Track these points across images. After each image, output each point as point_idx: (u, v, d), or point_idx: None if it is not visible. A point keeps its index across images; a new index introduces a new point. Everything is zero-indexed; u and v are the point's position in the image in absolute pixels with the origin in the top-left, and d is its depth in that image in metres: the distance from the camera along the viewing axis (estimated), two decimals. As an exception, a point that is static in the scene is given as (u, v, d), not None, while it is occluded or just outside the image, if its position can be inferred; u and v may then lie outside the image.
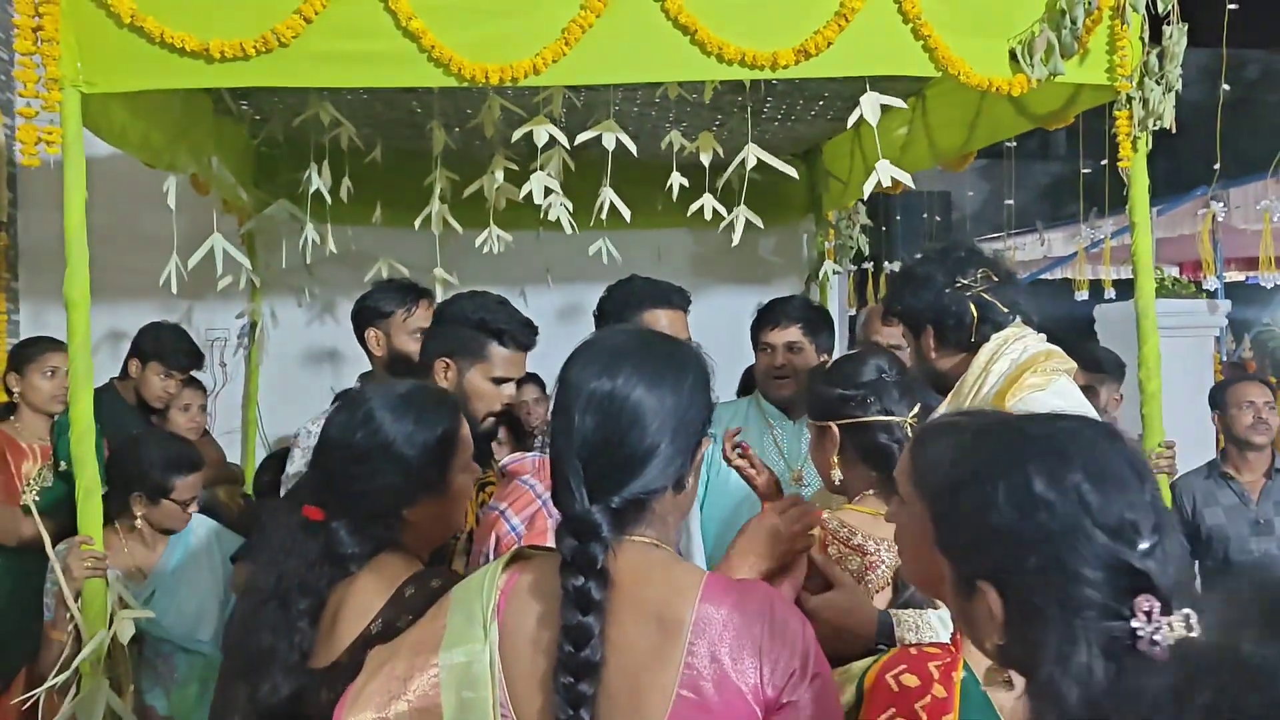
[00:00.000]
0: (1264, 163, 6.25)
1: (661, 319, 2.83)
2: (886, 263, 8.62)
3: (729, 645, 1.18)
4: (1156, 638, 0.89)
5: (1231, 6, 4.75)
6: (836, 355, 3.13)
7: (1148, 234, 2.61)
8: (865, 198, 4.26)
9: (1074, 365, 2.13)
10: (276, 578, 1.54)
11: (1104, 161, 4.41)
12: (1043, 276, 8.66)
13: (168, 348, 3.52)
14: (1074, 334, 5.16)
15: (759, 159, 2.77)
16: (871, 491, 1.89)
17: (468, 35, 2.29)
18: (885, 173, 2.54)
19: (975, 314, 2.08)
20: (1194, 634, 0.89)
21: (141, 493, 2.61)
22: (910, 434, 1.87)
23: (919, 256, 2.26)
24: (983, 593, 0.98)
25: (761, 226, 2.97)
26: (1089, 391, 3.19)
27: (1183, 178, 7.38)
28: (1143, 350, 2.59)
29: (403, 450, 1.58)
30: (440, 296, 3.41)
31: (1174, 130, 2.50)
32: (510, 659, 1.24)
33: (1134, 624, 0.90)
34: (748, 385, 3.55)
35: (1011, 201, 8.38)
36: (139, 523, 2.61)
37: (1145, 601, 0.90)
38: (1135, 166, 2.57)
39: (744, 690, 1.17)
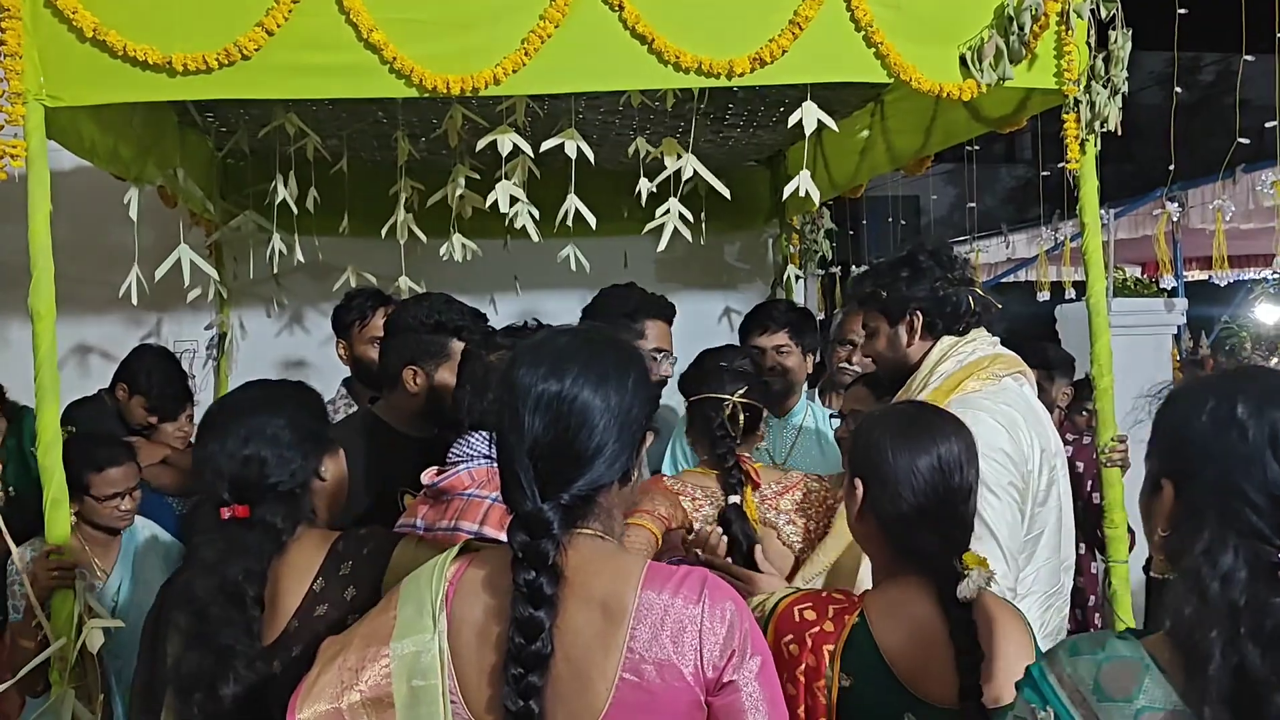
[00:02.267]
0: (1221, 164, 6.38)
1: (658, 329, 2.96)
2: (855, 267, 8.69)
3: (670, 629, 1.24)
4: None
5: (1181, 11, 4.86)
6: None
7: (1098, 234, 2.67)
8: (828, 203, 4.36)
9: (1024, 368, 2.21)
10: (219, 580, 1.60)
11: (1062, 164, 4.51)
12: (1007, 279, 8.78)
13: (156, 389, 3.47)
14: (1037, 334, 5.27)
15: (695, 170, 2.81)
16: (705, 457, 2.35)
17: (429, 47, 2.32)
18: (804, 183, 2.61)
19: (971, 305, 2.16)
20: None
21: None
22: (738, 409, 2.28)
23: (909, 251, 2.34)
24: (1163, 489, 1.15)
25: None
26: (1040, 389, 3.27)
27: (1144, 179, 7.53)
28: (1095, 347, 2.65)
29: (297, 416, 1.74)
30: (406, 305, 3.44)
31: (1119, 133, 2.57)
32: (459, 648, 1.29)
33: None
34: None
35: (974, 205, 8.47)
36: (72, 521, 2.65)
37: None
38: (1084, 169, 2.64)
39: (684, 672, 1.23)
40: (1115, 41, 2.57)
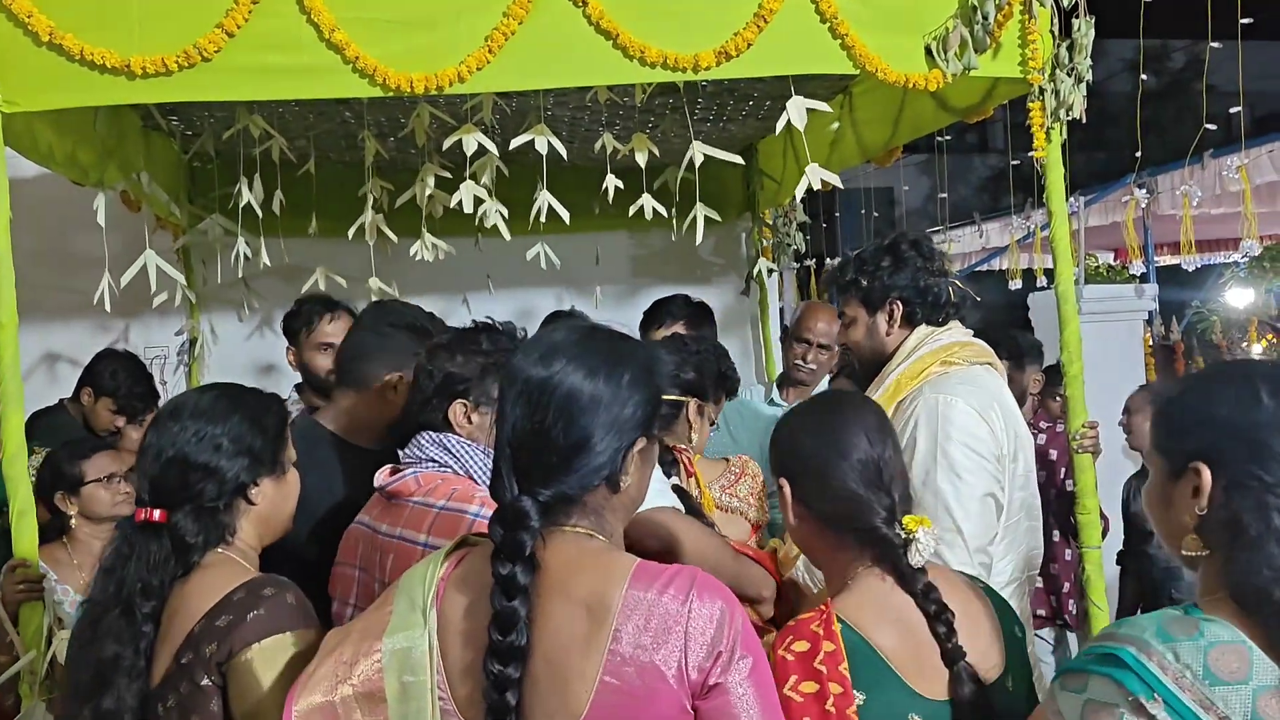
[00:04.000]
0: (1194, 148, 6.43)
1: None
2: (829, 259, 8.74)
3: (653, 629, 1.20)
4: None
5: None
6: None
7: (1065, 222, 2.69)
8: (799, 198, 4.37)
9: (992, 358, 2.22)
10: (117, 586, 1.54)
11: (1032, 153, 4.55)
12: (981, 268, 8.83)
13: (123, 389, 3.46)
14: (1010, 322, 5.30)
15: (705, 155, 2.79)
16: None
17: (391, 46, 2.30)
18: (815, 176, 2.60)
19: (950, 296, 2.18)
20: None
21: (62, 490, 2.63)
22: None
23: (890, 240, 2.35)
24: (1193, 472, 1.22)
25: (720, 219, 3.01)
26: (1010, 380, 3.29)
27: (1116, 165, 7.59)
28: (1064, 334, 2.66)
29: (239, 429, 1.63)
30: (373, 307, 3.42)
31: (1084, 120, 2.58)
32: (447, 644, 1.28)
33: None
34: None
35: (945, 195, 8.53)
36: (74, 522, 2.61)
37: None
38: (1050, 157, 2.65)
39: (667, 674, 1.18)
40: (1079, 30, 2.58)
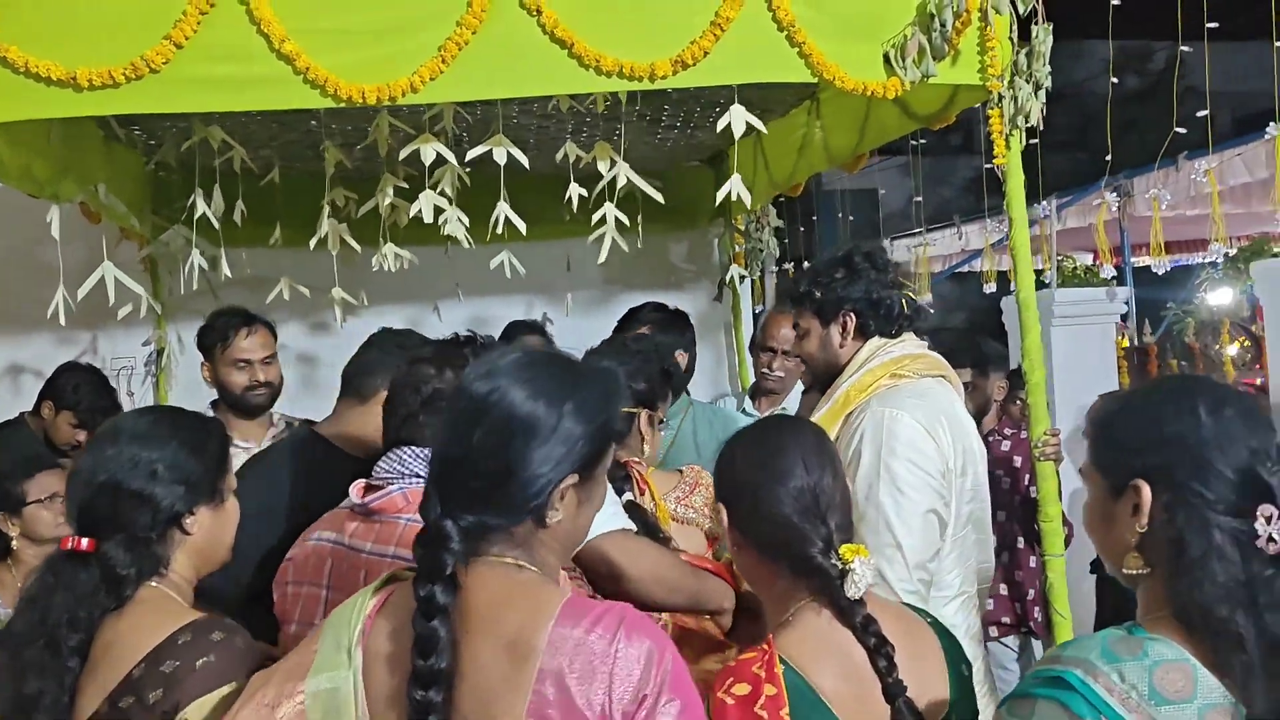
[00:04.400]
0: (1170, 150, 6.45)
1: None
2: (808, 263, 8.73)
3: (579, 669, 1.16)
4: (1275, 537, 1.15)
5: (1115, 2, 4.91)
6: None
7: (1024, 229, 2.68)
8: (781, 198, 4.36)
9: (945, 370, 2.22)
10: (41, 617, 1.48)
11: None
12: (961, 270, 8.84)
13: (84, 403, 3.41)
14: (984, 324, 5.30)
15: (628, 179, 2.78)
16: None
17: (343, 57, 2.28)
18: (736, 187, 2.60)
19: (903, 308, 2.17)
20: None
21: (4, 511, 2.58)
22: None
23: (844, 251, 2.34)
24: (1134, 489, 1.22)
25: (626, 247, 2.98)
26: (974, 387, 3.29)
27: (1097, 166, 7.59)
28: (1025, 342, 2.65)
29: (177, 455, 1.57)
30: (339, 317, 3.40)
31: (1042, 127, 2.58)
32: (372, 681, 1.24)
33: (1257, 526, 1.16)
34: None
35: (920, 199, 8.57)
36: (16, 544, 2.57)
37: (1267, 509, 1.17)
38: (1010, 163, 2.65)
39: (589, 715, 1.15)
40: (1037, 36, 2.58)
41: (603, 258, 2.83)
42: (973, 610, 2.13)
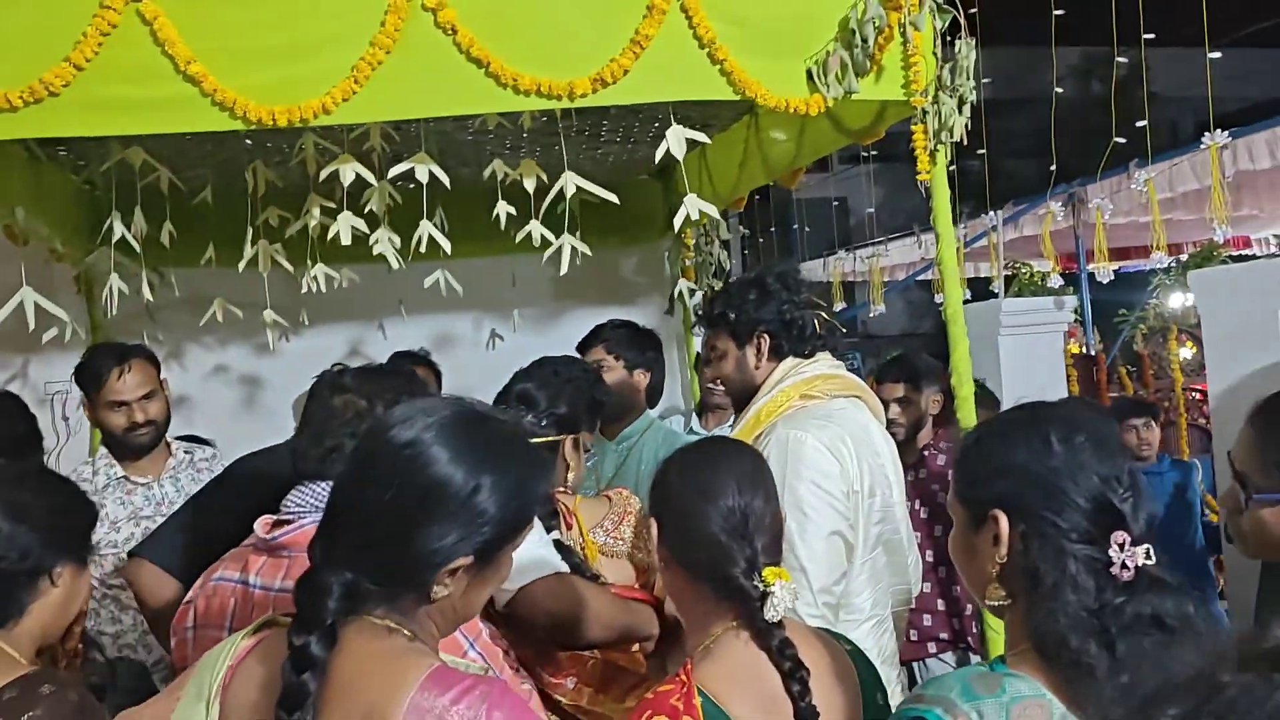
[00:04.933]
0: (1128, 156, 6.48)
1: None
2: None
3: None
4: (1127, 563, 1.17)
5: (1058, 12, 4.93)
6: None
7: (951, 244, 2.68)
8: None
9: (860, 391, 2.21)
10: None
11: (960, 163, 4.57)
12: (921, 277, 8.87)
13: (1, 430, 3.33)
14: (938, 334, 5.28)
15: (578, 186, 2.75)
16: None
17: (252, 78, 2.24)
18: (693, 206, 2.57)
19: (816, 328, 2.16)
20: (1151, 562, 1.17)
21: None
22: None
23: (757, 273, 2.36)
24: (993, 520, 1.23)
25: (590, 253, 2.95)
26: (908, 401, 3.28)
27: (1061, 173, 7.62)
28: (953, 356, 2.64)
29: (54, 508, 1.55)
30: (271, 339, 3.36)
31: (964, 143, 2.57)
32: None
33: (1110, 553, 1.17)
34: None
35: (873, 209, 8.61)
36: None
37: (1120, 535, 1.18)
38: (935, 179, 2.63)
39: None
40: (960, 51, 2.57)
41: (564, 269, 2.80)
42: (886, 633, 2.11)
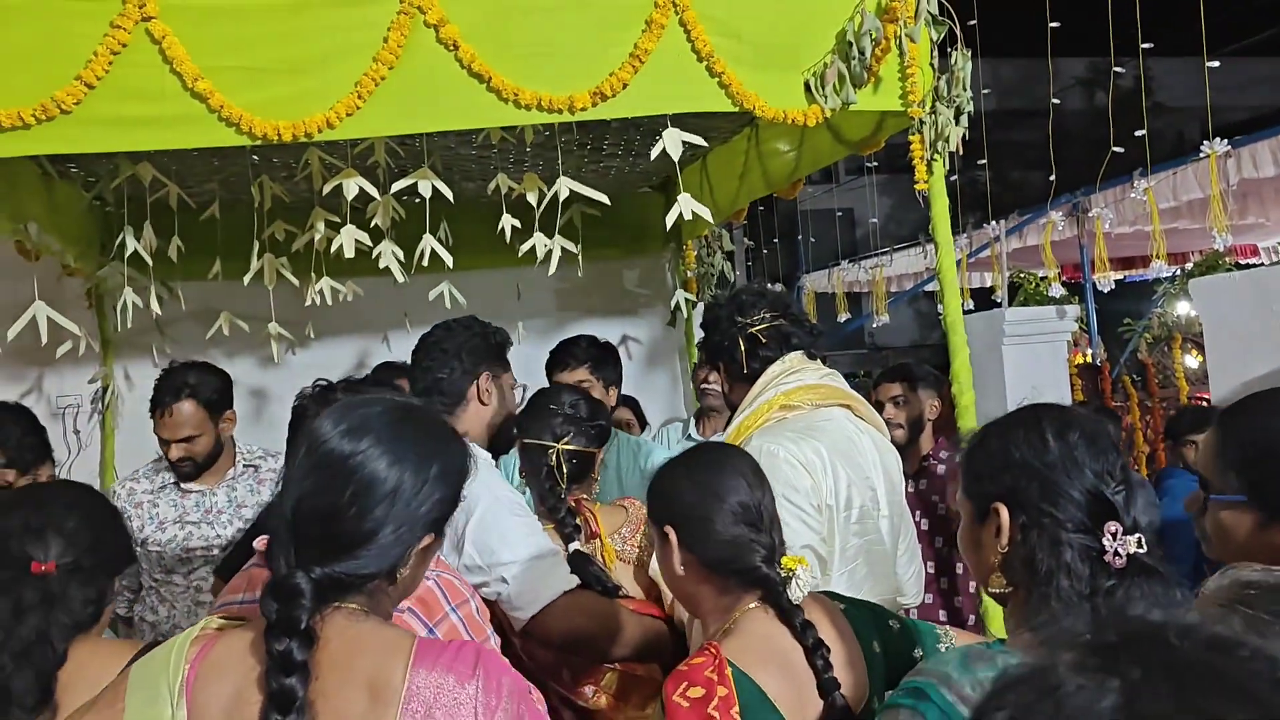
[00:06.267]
0: (1132, 165, 6.48)
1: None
2: (775, 283, 8.76)
3: (444, 705, 1.17)
4: (1119, 551, 1.23)
5: (1054, 25, 4.95)
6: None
7: (950, 253, 2.69)
8: (709, 228, 4.36)
9: (847, 399, 2.22)
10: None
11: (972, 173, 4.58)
12: (929, 288, 8.87)
13: (12, 440, 3.38)
14: (941, 343, 5.29)
15: (572, 191, 2.78)
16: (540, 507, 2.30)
17: (257, 94, 2.29)
18: (686, 206, 2.59)
19: (745, 349, 2.18)
20: (1143, 551, 1.24)
21: None
22: (561, 458, 2.29)
23: (714, 299, 2.43)
24: (994, 512, 1.30)
25: (575, 250, 2.99)
26: (905, 400, 3.29)
27: (1068, 183, 7.63)
28: (954, 364, 2.66)
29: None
30: (275, 352, 3.39)
31: (960, 153, 2.59)
32: None
33: (1104, 542, 1.24)
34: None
35: (876, 220, 8.63)
36: None
37: (1112, 525, 1.25)
38: (933, 188, 2.66)
39: None
40: (955, 62, 2.60)
41: (552, 269, 2.83)
42: None
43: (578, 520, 2.28)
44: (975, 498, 1.35)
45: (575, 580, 2.08)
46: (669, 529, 1.65)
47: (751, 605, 1.60)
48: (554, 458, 2.30)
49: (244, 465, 3.27)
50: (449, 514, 1.32)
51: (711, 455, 1.74)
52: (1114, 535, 1.24)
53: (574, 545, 2.18)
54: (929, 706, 1.19)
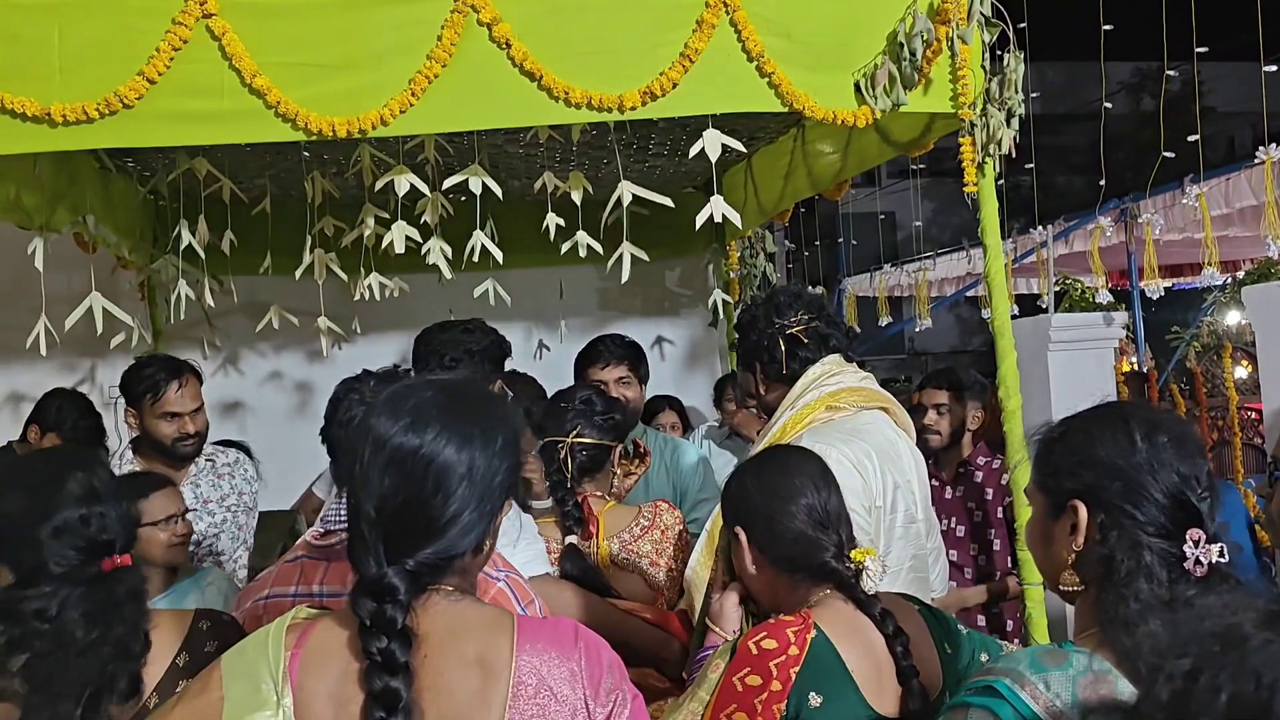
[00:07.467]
0: (1185, 171, 6.38)
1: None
2: (815, 286, 8.74)
3: (554, 678, 1.22)
4: (1201, 559, 1.22)
5: (1107, 27, 4.89)
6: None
7: (999, 256, 2.67)
8: (751, 229, 4.36)
9: (887, 403, 2.22)
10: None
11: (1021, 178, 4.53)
12: (971, 293, 8.80)
13: (68, 421, 3.45)
14: (986, 349, 5.24)
15: (634, 194, 2.79)
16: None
17: (314, 90, 2.32)
18: (718, 208, 2.60)
19: (784, 350, 2.18)
20: (1225, 560, 1.22)
21: None
22: (571, 451, 2.33)
23: (760, 300, 2.41)
24: (1072, 509, 1.28)
25: (647, 259, 2.99)
26: (949, 408, 3.27)
27: (1114, 188, 7.54)
28: (1001, 368, 2.64)
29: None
30: (324, 346, 3.44)
31: (1013, 155, 2.57)
32: None
33: (1185, 548, 1.22)
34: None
35: (919, 223, 8.57)
36: None
37: (1195, 532, 1.23)
38: (983, 191, 2.64)
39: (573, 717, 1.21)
40: (1008, 65, 2.58)
41: (625, 276, 2.85)
42: None
43: (581, 515, 2.30)
44: (1051, 492, 1.33)
45: (552, 571, 2.09)
46: (739, 530, 1.75)
47: (826, 592, 1.68)
48: (564, 451, 2.34)
49: (205, 460, 3.23)
50: (517, 480, 1.35)
51: (778, 459, 1.83)
52: (1196, 542, 1.22)
53: (570, 538, 2.20)
54: (1001, 704, 1.19)
